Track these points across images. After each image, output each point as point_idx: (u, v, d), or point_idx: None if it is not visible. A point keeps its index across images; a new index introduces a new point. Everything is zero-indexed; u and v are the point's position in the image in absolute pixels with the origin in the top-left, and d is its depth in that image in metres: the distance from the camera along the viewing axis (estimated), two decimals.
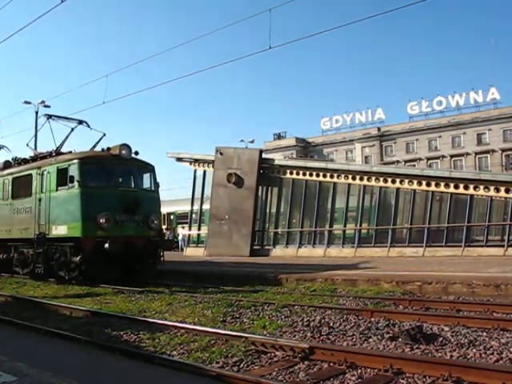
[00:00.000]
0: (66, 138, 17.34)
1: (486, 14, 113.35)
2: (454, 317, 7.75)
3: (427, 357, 5.87)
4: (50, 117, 17.39)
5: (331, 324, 7.92)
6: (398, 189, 22.42)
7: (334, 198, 24.51)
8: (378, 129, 74.23)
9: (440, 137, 69.33)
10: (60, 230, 14.40)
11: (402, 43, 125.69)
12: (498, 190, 19.65)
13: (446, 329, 7.25)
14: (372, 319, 8.10)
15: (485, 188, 19.97)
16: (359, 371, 5.43)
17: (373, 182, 22.99)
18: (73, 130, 17.42)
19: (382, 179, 22.66)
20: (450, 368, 5.06)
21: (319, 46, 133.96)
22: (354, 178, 23.47)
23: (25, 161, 17.95)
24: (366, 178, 23.17)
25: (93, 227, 13.80)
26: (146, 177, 15.81)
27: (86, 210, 13.95)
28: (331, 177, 24.12)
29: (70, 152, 16.11)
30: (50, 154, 16.78)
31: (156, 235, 15.13)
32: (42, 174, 15.45)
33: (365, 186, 23.37)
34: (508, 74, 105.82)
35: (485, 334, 6.90)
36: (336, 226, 24.37)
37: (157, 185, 15.93)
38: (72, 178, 14.28)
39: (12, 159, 18.96)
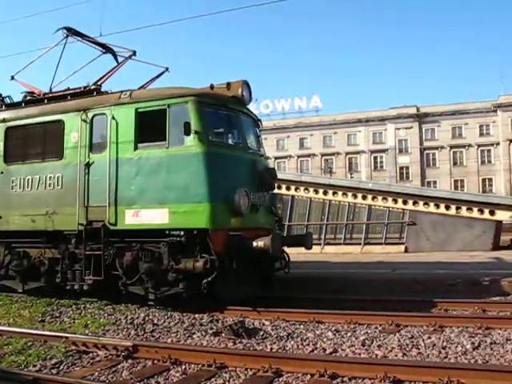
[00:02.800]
0: (115, 69, 10.89)
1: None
2: (275, 312, 8.13)
3: (249, 350, 6.06)
4: (70, 32, 11.04)
5: (155, 321, 7.84)
6: None
7: None
8: None
9: (265, 139, 73.31)
10: (149, 217, 8.58)
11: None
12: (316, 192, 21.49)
13: (267, 323, 7.58)
14: (196, 315, 8.15)
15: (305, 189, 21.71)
16: (183, 367, 5.45)
17: None
18: (120, 63, 11.12)
19: None
20: (270, 360, 5.31)
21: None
22: None
23: (29, 102, 10.87)
24: None
25: (226, 212, 8.48)
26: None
27: (216, 184, 8.38)
28: None
29: (106, 92, 10.17)
30: (85, 91, 10.18)
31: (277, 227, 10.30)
32: (94, 122, 9.33)
33: None
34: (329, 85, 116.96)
35: (302, 326, 7.35)
36: None
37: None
38: (174, 128, 8.63)
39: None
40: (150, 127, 8.86)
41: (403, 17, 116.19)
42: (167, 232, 8.59)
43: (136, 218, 8.68)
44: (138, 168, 8.75)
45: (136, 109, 8.92)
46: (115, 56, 11.33)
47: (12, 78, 11.52)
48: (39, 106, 10.33)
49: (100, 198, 8.96)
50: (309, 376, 5.02)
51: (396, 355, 5.74)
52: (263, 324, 7.55)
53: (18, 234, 9.88)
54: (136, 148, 8.81)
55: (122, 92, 9.39)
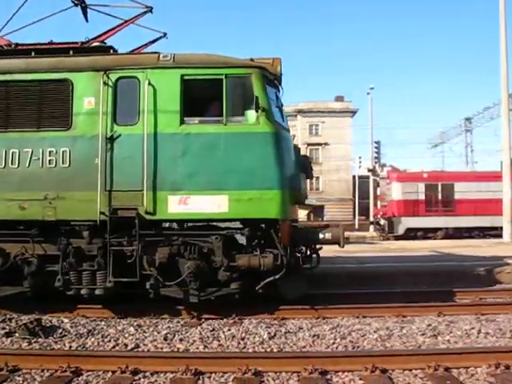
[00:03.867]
0: (123, 25, 8.90)
1: None
2: (74, 309, 7.72)
3: (45, 350, 5.77)
4: None
5: None
6: None
7: None
8: None
9: None
10: (200, 204, 7.28)
11: None
12: None
13: (66, 320, 7.23)
14: None
15: None
16: None
17: None
18: (131, 19, 8.90)
19: None
20: (68, 359, 5.11)
21: None
22: None
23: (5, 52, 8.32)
24: None
25: (292, 201, 7.67)
26: None
27: (285, 168, 7.48)
28: None
29: (109, 47, 8.45)
30: (84, 46, 8.36)
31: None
32: (117, 86, 7.61)
33: None
34: None
35: (103, 323, 7.15)
36: None
37: None
38: (233, 102, 7.53)
39: None
40: (200, 99, 7.61)
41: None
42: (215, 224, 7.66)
43: (183, 205, 7.30)
44: (185, 146, 7.39)
45: (182, 75, 7.56)
46: (85, 12, 9.13)
47: None
48: (28, 60, 7.99)
49: (131, 181, 7.36)
50: (110, 373, 4.92)
51: (197, 348, 5.92)
52: (62, 321, 7.18)
53: None
54: (182, 122, 7.47)
55: (159, 53, 7.80)
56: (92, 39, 8.59)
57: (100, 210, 7.31)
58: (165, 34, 9.20)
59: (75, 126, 7.56)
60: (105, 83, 7.60)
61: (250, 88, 7.51)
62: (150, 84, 7.53)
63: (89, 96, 7.61)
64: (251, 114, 7.48)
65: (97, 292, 7.30)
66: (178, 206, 7.30)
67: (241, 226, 7.56)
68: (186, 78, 7.58)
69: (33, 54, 8.12)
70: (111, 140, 7.46)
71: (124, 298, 7.76)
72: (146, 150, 7.36)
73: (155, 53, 7.89)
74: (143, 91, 7.53)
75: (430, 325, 6.91)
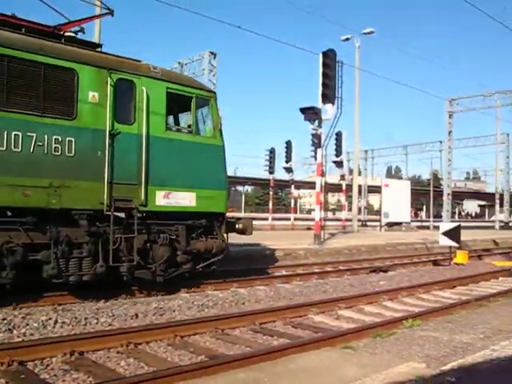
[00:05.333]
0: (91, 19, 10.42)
1: None
2: None
3: None
4: None
5: None
6: None
7: None
8: None
9: None
10: (178, 199, 8.91)
11: None
12: None
13: None
14: None
15: None
16: None
17: None
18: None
19: None
20: None
21: None
22: None
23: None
24: None
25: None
26: None
27: (226, 174, 10.04)
28: None
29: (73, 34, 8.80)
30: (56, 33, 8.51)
31: None
32: (120, 87, 8.39)
33: None
34: None
35: None
36: None
37: None
38: (203, 120, 9.65)
39: None
40: (177, 110, 9.76)
41: None
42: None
43: (166, 199, 8.80)
44: (168, 149, 8.91)
45: (166, 87, 8.99)
46: None
47: None
48: (27, 38, 7.81)
49: (128, 175, 8.34)
50: None
51: None
52: None
53: None
54: (167, 128, 9.03)
55: (149, 64, 9.03)
56: (60, 25, 8.81)
57: (102, 201, 7.96)
58: (112, 12, 9.72)
59: (80, 117, 7.94)
60: (107, 82, 8.23)
61: (210, 108, 9.64)
62: (142, 90, 8.59)
63: (93, 90, 8.09)
64: (210, 129, 9.67)
65: (84, 278, 7.87)
66: (163, 199, 8.78)
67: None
68: (169, 90, 9.03)
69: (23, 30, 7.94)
70: (112, 136, 8.18)
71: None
72: (141, 149, 8.46)
73: (144, 63, 9.02)
74: (139, 95, 8.58)
75: (4, 319, 6.60)
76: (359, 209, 42.20)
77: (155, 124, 8.70)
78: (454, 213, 61.41)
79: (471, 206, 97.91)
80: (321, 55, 18.30)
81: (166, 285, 9.00)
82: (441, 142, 47.24)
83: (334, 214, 58.99)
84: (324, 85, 18.19)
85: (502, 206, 48.81)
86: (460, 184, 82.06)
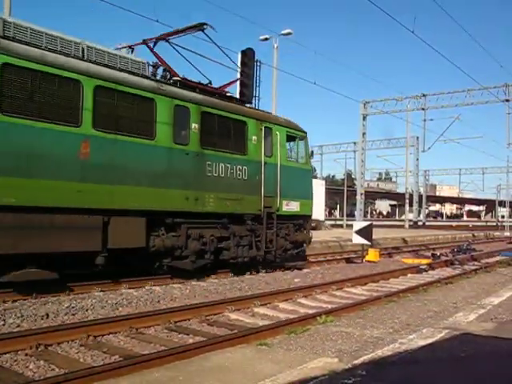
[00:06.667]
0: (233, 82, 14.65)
1: None
2: None
3: None
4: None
5: None
6: None
7: None
8: None
9: None
10: (292, 206, 13.64)
11: None
12: None
13: None
14: None
15: None
16: None
17: None
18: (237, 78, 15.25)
19: None
20: None
21: None
22: None
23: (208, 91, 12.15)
24: None
25: None
26: None
27: (312, 189, 14.81)
28: None
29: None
30: (212, 88, 12.58)
31: None
32: (266, 132, 12.97)
33: None
34: None
35: None
36: None
37: None
38: (301, 152, 14.39)
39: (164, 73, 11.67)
40: (290, 146, 14.03)
41: None
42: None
43: (287, 206, 13.39)
44: (287, 173, 13.36)
45: (286, 131, 13.66)
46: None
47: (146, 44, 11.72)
48: (223, 102, 12.12)
49: (270, 190, 12.77)
50: None
51: None
52: None
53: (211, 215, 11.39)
54: (286, 158, 13.64)
55: (278, 115, 14.86)
56: (220, 87, 12.87)
57: (259, 208, 12.50)
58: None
59: (248, 153, 12.34)
60: (261, 129, 12.77)
61: (305, 143, 14.57)
62: (276, 134, 13.41)
63: (254, 135, 12.52)
64: (304, 158, 14.48)
65: (246, 260, 12.34)
66: (287, 206, 13.37)
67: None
68: (287, 133, 13.77)
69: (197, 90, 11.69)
70: (264, 165, 12.67)
71: None
72: (278, 173, 13.06)
73: (268, 112, 14.80)
74: (274, 138, 13.29)
75: None
76: None
77: (282, 156, 13.16)
78: (366, 212, 63.94)
79: (383, 205, 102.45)
80: (239, 54, 18.29)
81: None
82: (355, 143, 49.02)
83: None
84: (242, 83, 18.23)
85: (411, 205, 51.56)
86: (373, 184, 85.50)
